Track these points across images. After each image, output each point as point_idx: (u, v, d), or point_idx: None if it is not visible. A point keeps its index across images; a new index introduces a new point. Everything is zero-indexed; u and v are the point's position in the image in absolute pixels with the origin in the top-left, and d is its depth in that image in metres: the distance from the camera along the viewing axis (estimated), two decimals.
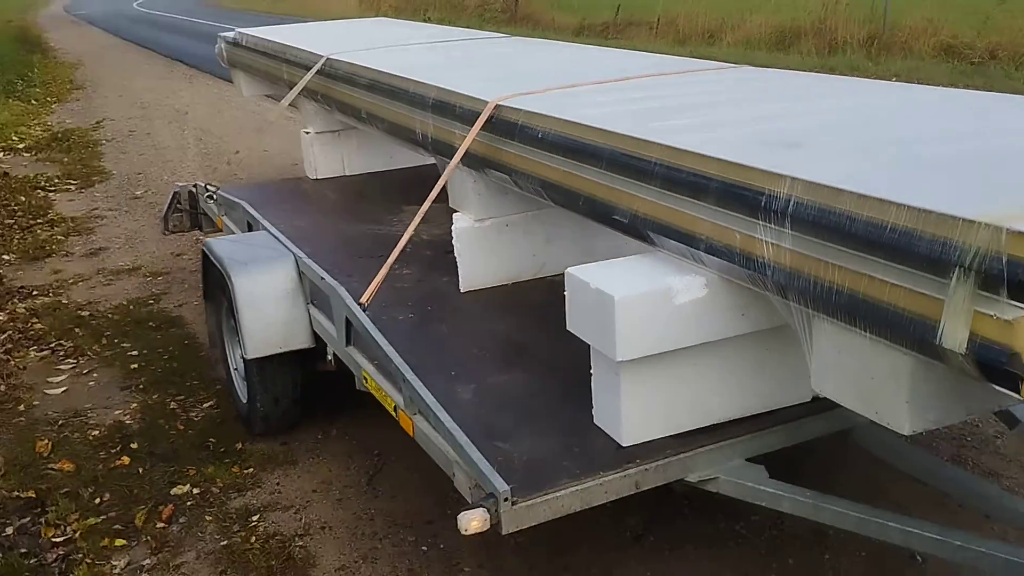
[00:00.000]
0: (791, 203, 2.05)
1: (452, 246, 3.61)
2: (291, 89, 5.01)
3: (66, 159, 10.09)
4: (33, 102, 14.23)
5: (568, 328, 2.56)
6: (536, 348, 3.14)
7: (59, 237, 7.19)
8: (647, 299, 2.35)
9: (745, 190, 2.17)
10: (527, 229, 3.66)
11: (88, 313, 5.50)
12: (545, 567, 3.02)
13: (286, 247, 3.85)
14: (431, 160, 4.00)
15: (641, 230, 2.58)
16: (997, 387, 1.70)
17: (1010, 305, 1.63)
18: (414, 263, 3.96)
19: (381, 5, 33.83)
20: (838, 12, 16.91)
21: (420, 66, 4.19)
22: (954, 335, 1.70)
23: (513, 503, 2.30)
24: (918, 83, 12.87)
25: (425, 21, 23.61)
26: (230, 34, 6.51)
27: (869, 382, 2.01)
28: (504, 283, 3.68)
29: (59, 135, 11.43)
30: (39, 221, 7.64)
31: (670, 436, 2.53)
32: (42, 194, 8.60)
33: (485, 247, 3.63)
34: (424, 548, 3.16)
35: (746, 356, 2.52)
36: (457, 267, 3.63)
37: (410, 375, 2.77)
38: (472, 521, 2.27)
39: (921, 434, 3.26)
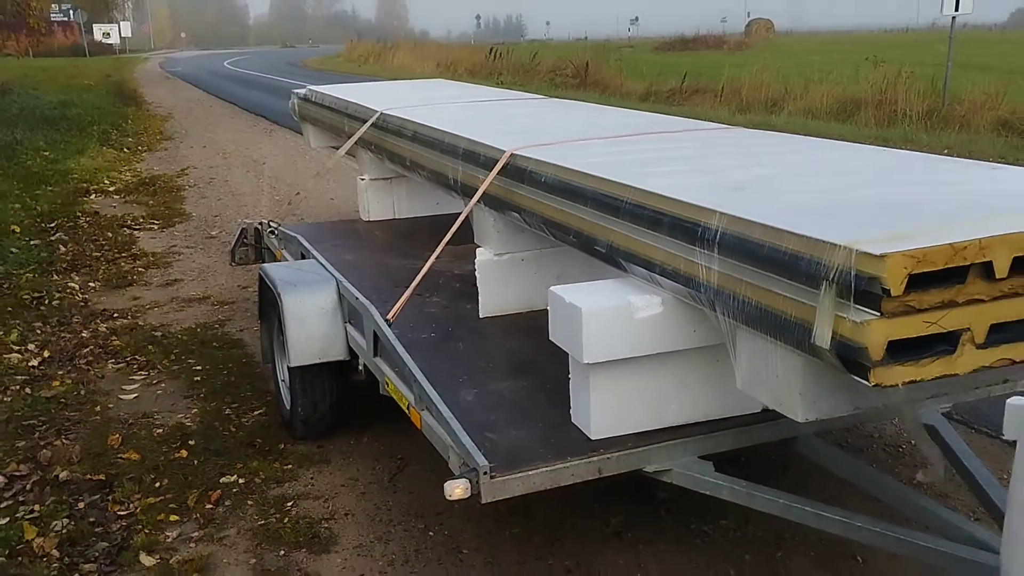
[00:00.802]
0: (718, 233, 2.52)
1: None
2: (350, 140, 5.64)
3: (151, 201, 10.96)
4: (125, 150, 15.33)
5: (550, 337, 3.05)
6: (537, 363, 3.60)
7: (140, 269, 7.92)
8: (610, 312, 2.82)
9: (687, 223, 2.65)
10: (540, 264, 4.15)
11: (161, 334, 6.13)
12: (534, 553, 3.46)
13: (330, 273, 4.41)
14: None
15: (615, 258, 3.06)
16: (854, 376, 2.13)
17: (858, 310, 2.07)
18: (444, 292, 4.49)
19: (458, 68, 35.16)
20: (898, 85, 17.23)
21: (457, 121, 4.76)
22: (822, 335, 2.15)
23: (491, 477, 2.77)
24: (970, 155, 13.14)
25: (497, 84, 24.57)
26: (301, 91, 7.23)
27: (775, 379, 2.45)
28: (519, 311, 4.17)
29: (147, 180, 12.38)
30: (123, 255, 8.41)
31: (633, 433, 2.97)
32: (128, 232, 9.41)
33: (503, 278, 4.14)
34: (431, 533, 3.63)
35: (699, 367, 2.96)
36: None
37: (420, 376, 3.28)
38: (456, 488, 2.74)
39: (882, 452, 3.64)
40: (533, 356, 3.70)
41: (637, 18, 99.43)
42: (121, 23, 72.14)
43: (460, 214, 4.09)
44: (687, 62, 27.86)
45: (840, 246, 2.12)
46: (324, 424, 4.41)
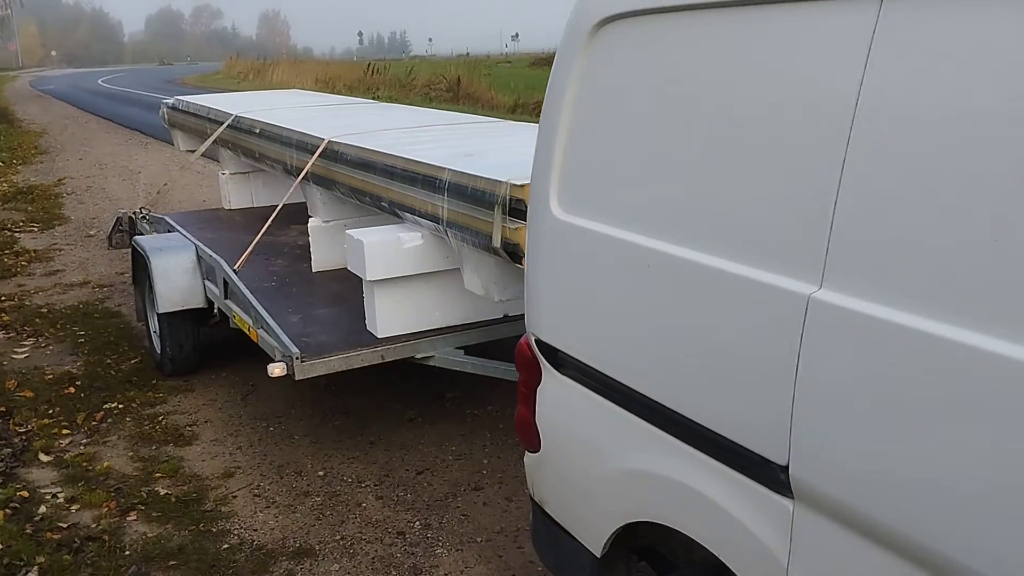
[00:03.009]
0: (447, 183, 3.75)
1: None
2: (214, 142, 6.71)
3: (30, 208, 11.66)
4: None
5: (348, 267, 4.23)
6: (351, 299, 4.75)
7: (23, 264, 8.73)
8: (384, 244, 4.03)
9: (430, 178, 3.87)
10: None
11: (47, 310, 7.04)
12: (348, 434, 4.63)
13: (191, 241, 5.49)
14: None
15: (394, 210, 4.27)
16: (516, 264, 3.38)
17: (512, 220, 3.33)
18: (287, 256, 5.62)
19: (337, 84, 35.97)
20: None
21: (296, 120, 5.90)
22: (496, 239, 3.39)
23: (301, 360, 3.92)
24: None
25: (374, 98, 25.64)
26: (170, 100, 8.23)
27: (482, 276, 3.69)
28: (343, 267, 5.31)
29: (24, 190, 13.00)
30: (5, 252, 9.18)
31: (409, 332, 4.17)
32: (8, 234, 10.15)
33: (330, 240, 5.29)
34: (271, 429, 4.75)
35: (454, 284, 4.18)
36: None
37: (255, 303, 4.41)
38: (275, 369, 3.89)
39: None
40: (349, 294, 4.85)
41: (517, 34, 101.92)
42: None
43: (299, 194, 5.23)
44: None
45: (503, 182, 3.37)
46: (189, 362, 5.47)
